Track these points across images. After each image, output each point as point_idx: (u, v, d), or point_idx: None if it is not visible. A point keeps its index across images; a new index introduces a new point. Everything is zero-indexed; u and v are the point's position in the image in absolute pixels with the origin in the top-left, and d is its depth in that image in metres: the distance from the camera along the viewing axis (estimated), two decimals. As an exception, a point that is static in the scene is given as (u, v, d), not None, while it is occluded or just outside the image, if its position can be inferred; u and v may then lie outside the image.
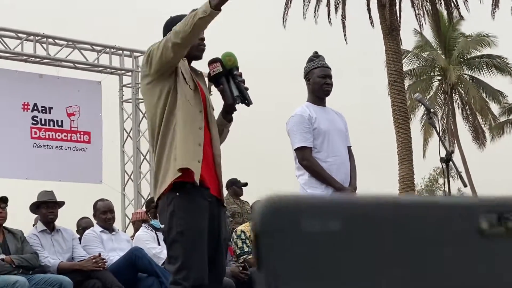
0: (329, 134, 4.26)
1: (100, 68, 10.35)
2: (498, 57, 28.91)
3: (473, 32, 29.54)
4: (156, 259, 6.11)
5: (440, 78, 29.71)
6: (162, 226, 3.26)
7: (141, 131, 10.54)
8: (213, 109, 3.51)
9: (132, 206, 10.45)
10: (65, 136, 9.69)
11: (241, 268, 6.67)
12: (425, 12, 19.18)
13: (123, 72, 10.64)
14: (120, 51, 10.46)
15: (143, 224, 6.85)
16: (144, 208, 7.94)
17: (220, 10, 3.13)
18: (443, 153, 4.35)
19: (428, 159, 29.86)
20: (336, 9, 18.54)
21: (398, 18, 17.48)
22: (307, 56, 4.49)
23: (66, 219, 7.00)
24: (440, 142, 4.46)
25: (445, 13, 20.06)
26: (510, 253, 0.35)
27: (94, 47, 10.23)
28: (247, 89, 3.38)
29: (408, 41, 29.54)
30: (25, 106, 9.40)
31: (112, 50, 10.34)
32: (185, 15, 3.23)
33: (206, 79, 3.62)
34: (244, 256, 7.01)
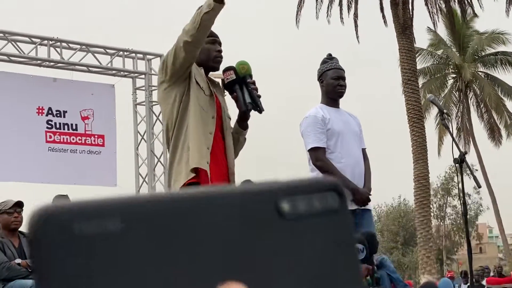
0: (342, 135, 4.25)
1: (114, 71, 10.38)
2: (513, 54, 28.72)
3: (487, 29, 29.39)
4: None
5: (454, 75, 29.54)
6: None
7: (155, 133, 10.55)
8: (230, 118, 3.54)
9: (147, 208, 10.45)
10: (79, 139, 9.73)
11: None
12: (438, 10, 19.10)
13: (136, 75, 10.66)
14: (133, 54, 10.49)
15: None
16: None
17: (223, 3, 3.13)
18: (457, 154, 4.33)
19: (444, 157, 29.71)
20: (348, 8, 18.51)
21: (411, 16, 17.40)
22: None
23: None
24: (454, 143, 4.43)
25: (458, 10, 19.94)
26: (305, 236, 0.34)
27: (108, 50, 10.26)
28: (259, 96, 3.42)
29: (421, 39, 29.43)
30: (40, 110, 9.45)
31: (125, 53, 10.37)
32: None
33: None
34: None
